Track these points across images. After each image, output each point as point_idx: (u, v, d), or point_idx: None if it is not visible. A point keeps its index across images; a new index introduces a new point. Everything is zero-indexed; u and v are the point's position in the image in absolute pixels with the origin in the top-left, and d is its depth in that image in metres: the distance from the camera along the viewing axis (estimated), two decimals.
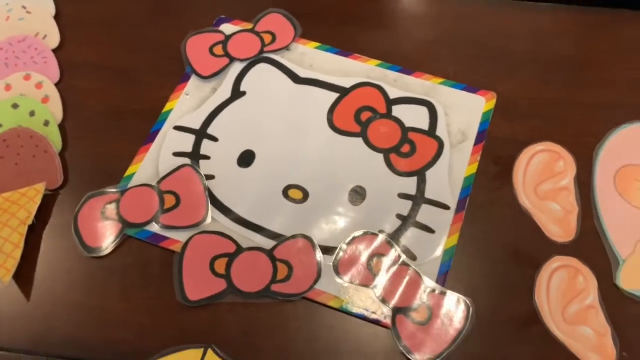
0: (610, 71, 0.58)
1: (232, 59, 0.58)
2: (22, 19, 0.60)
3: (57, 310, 0.47)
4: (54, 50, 0.59)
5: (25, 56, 0.58)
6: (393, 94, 0.56)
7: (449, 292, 0.46)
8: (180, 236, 0.49)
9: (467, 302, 0.46)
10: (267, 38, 0.59)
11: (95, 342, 0.45)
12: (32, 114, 0.54)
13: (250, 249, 0.48)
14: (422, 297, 0.46)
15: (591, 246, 0.49)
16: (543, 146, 0.53)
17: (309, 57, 0.58)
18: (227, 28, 0.60)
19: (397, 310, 0.46)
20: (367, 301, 0.46)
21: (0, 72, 0.57)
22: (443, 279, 0.47)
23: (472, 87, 0.56)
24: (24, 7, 0.61)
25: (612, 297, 0.47)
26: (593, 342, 0.45)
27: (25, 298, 0.47)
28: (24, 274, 0.48)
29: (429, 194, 0.51)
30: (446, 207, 0.50)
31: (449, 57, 0.58)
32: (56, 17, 0.61)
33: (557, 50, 0.59)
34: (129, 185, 0.51)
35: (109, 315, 0.46)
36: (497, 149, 0.53)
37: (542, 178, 0.52)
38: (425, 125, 0.54)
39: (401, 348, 0.44)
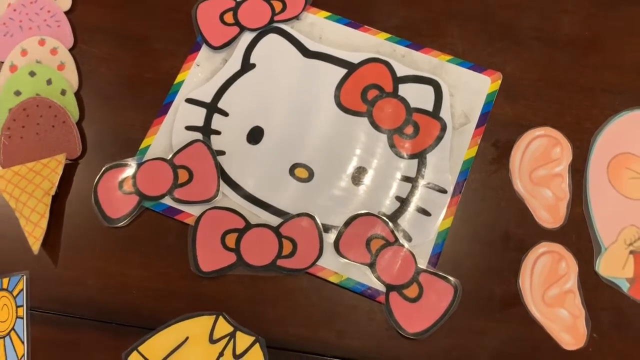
0: (618, 52, 0.58)
1: (242, 28, 0.58)
2: None
3: (82, 275, 0.51)
4: (66, 13, 0.59)
5: (39, 19, 0.59)
6: (400, 71, 0.56)
7: (439, 273, 0.50)
8: (194, 210, 0.52)
9: (456, 283, 0.50)
10: (278, 6, 0.59)
11: (118, 306, 0.50)
12: (49, 82, 0.56)
13: (258, 225, 0.52)
14: (414, 276, 0.50)
15: (578, 233, 0.52)
16: (542, 131, 0.55)
17: (319, 28, 0.58)
18: None
19: (391, 288, 0.50)
20: (364, 278, 0.51)
21: (15, 35, 0.58)
22: (435, 259, 0.51)
23: (479, 66, 0.57)
24: None
25: (590, 282, 0.51)
26: (567, 323, 0.49)
27: (54, 264, 0.52)
28: (51, 241, 0.52)
29: (428, 177, 0.53)
30: (444, 191, 0.53)
31: (458, 31, 0.58)
32: None
33: (565, 28, 0.58)
34: (145, 159, 0.54)
35: (130, 282, 0.51)
36: (498, 132, 0.55)
37: (538, 164, 0.54)
38: (429, 106, 0.55)
39: (392, 322, 0.49)
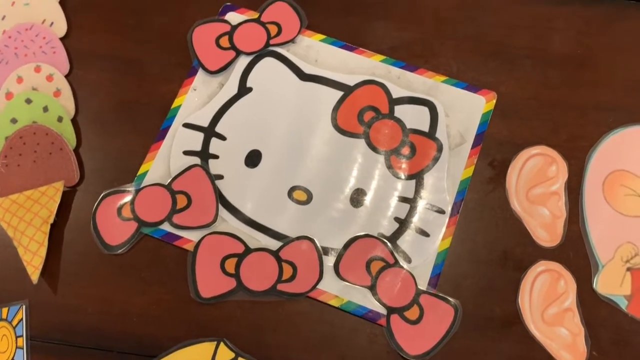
0: (609, 70, 0.58)
1: (238, 53, 0.58)
2: (28, 4, 0.60)
3: (82, 303, 0.51)
4: (62, 39, 0.59)
5: (34, 45, 0.59)
6: (396, 93, 0.57)
7: (439, 294, 0.51)
8: (193, 236, 0.52)
9: (456, 304, 0.50)
10: (273, 30, 0.59)
11: (119, 333, 0.50)
12: (45, 109, 0.56)
13: (257, 249, 0.52)
14: (415, 298, 0.50)
15: (575, 250, 0.53)
16: (538, 150, 0.55)
17: (315, 51, 0.59)
18: (233, 17, 0.60)
19: (392, 310, 0.50)
20: (364, 301, 0.51)
21: (10, 62, 0.58)
22: (435, 280, 0.51)
23: (473, 86, 0.57)
24: None
25: (589, 300, 0.51)
26: (567, 341, 0.50)
27: (53, 292, 0.51)
28: (50, 270, 0.52)
29: (426, 197, 0.54)
30: (442, 212, 0.53)
31: (452, 51, 0.59)
32: (61, 2, 0.61)
33: (557, 46, 0.59)
34: (143, 185, 0.54)
35: (130, 309, 0.51)
36: (494, 151, 0.56)
37: (535, 182, 0.54)
38: (425, 127, 0.56)
39: (394, 345, 0.49)
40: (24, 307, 0.51)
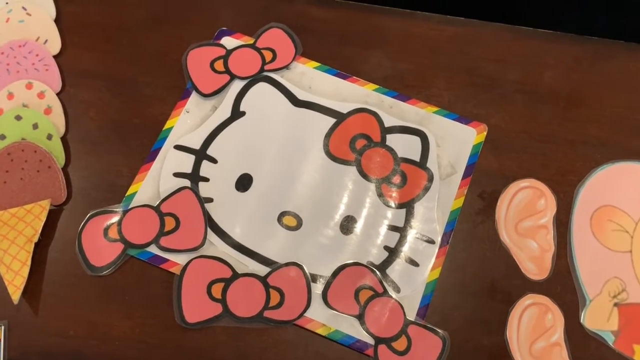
0: (597, 106, 0.59)
1: (232, 77, 0.59)
2: (23, 21, 0.60)
3: (64, 325, 0.50)
4: (55, 57, 0.59)
5: (27, 62, 0.58)
6: (388, 122, 0.57)
7: (428, 325, 0.50)
8: (180, 259, 0.52)
9: (444, 335, 0.50)
10: (268, 55, 0.60)
11: (101, 357, 0.49)
12: (35, 126, 0.56)
13: (245, 275, 0.51)
14: (403, 328, 0.50)
15: (563, 284, 0.53)
16: (527, 183, 0.56)
17: (308, 77, 0.59)
18: (229, 42, 0.60)
19: (380, 340, 0.50)
20: (352, 330, 0.50)
21: (2, 79, 0.58)
22: (424, 310, 0.51)
23: (464, 117, 0.58)
24: (24, 8, 0.60)
25: (576, 335, 0.51)
26: None
27: (34, 313, 0.50)
28: (32, 290, 0.51)
29: (416, 227, 0.54)
30: (432, 242, 0.53)
31: (444, 83, 0.60)
32: (56, 20, 0.61)
33: (547, 82, 0.60)
34: (131, 206, 0.53)
35: (113, 332, 0.50)
36: (484, 183, 0.56)
37: (524, 215, 0.55)
38: (417, 156, 0.56)
39: None
40: (3, 327, 0.50)
